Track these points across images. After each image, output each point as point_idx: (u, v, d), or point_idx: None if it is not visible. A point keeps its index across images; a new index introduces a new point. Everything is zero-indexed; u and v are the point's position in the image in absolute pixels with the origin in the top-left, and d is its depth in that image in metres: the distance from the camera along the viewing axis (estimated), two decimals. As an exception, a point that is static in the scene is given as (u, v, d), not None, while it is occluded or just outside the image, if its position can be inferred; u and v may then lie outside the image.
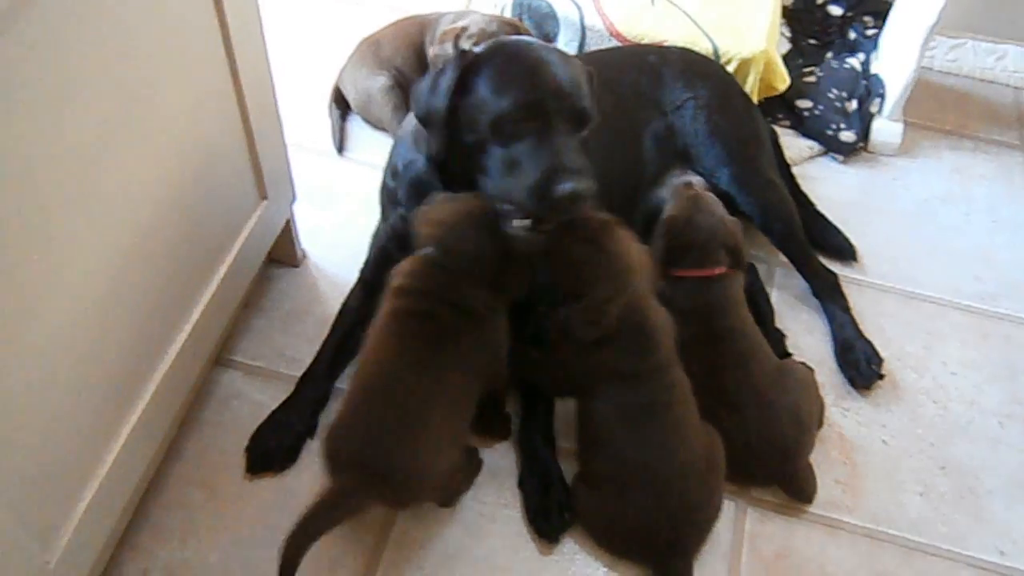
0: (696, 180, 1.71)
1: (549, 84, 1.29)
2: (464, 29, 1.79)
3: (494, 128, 1.28)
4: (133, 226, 1.16)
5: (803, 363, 1.61)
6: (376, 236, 1.62)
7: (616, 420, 1.33)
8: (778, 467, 1.43)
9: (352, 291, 1.64)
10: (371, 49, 2.01)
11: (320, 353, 1.56)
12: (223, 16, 1.26)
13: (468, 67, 1.31)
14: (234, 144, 1.41)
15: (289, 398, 1.52)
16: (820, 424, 1.51)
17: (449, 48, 1.81)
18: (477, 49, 1.35)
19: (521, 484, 1.46)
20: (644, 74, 1.76)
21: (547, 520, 1.40)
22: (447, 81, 1.30)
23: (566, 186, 1.23)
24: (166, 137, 1.20)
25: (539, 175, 1.25)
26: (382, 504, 1.31)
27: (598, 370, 1.34)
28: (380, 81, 1.96)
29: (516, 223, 1.30)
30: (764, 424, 1.39)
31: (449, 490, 1.41)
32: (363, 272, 1.64)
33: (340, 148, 2.02)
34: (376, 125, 2.04)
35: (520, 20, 2.03)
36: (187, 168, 1.27)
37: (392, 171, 1.53)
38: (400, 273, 1.35)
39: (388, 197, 1.56)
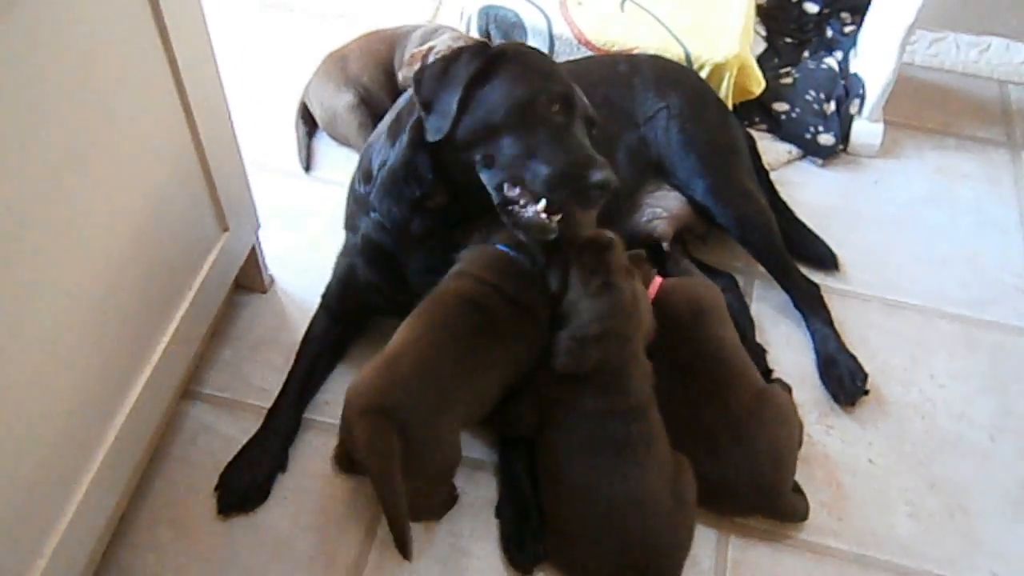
0: None
1: (569, 81, 1.35)
2: (431, 49, 1.75)
3: (517, 114, 1.29)
4: (90, 264, 1.14)
5: (779, 380, 1.57)
6: (341, 255, 1.58)
7: (575, 454, 1.30)
8: (758, 505, 1.40)
9: (315, 318, 1.60)
10: (337, 65, 1.95)
11: (286, 385, 1.53)
12: (170, 48, 1.22)
13: (492, 58, 1.32)
14: (190, 177, 1.37)
15: (257, 434, 1.48)
16: (800, 444, 1.47)
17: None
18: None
19: (498, 512, 1.43)
20: (615, 86, 1.71)
21: (521, 550, 1.37)
22: (468, 68, 1.31)
23: (597, 175, 1.26)
24: (118, 173, 1.17)
25: (568, 162, 1.27)
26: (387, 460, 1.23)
27: (563, 400, 1.32)
28: (346, 98, 1.91)
29: (528, 210, 1.29)
30: (741, 464, 1.35)
31: (432, 499, 1.39)
32: (325, 298, 1.61)
33: (307, 166, 1.96)
34: (343, 142, 1.99)
35: (488, 32, 1.98)
36: (142, 204, 1.25)
37: (364, 175, 1.48)
38: (477, 261, 1.38)
39: (358, 204, 1.50)
